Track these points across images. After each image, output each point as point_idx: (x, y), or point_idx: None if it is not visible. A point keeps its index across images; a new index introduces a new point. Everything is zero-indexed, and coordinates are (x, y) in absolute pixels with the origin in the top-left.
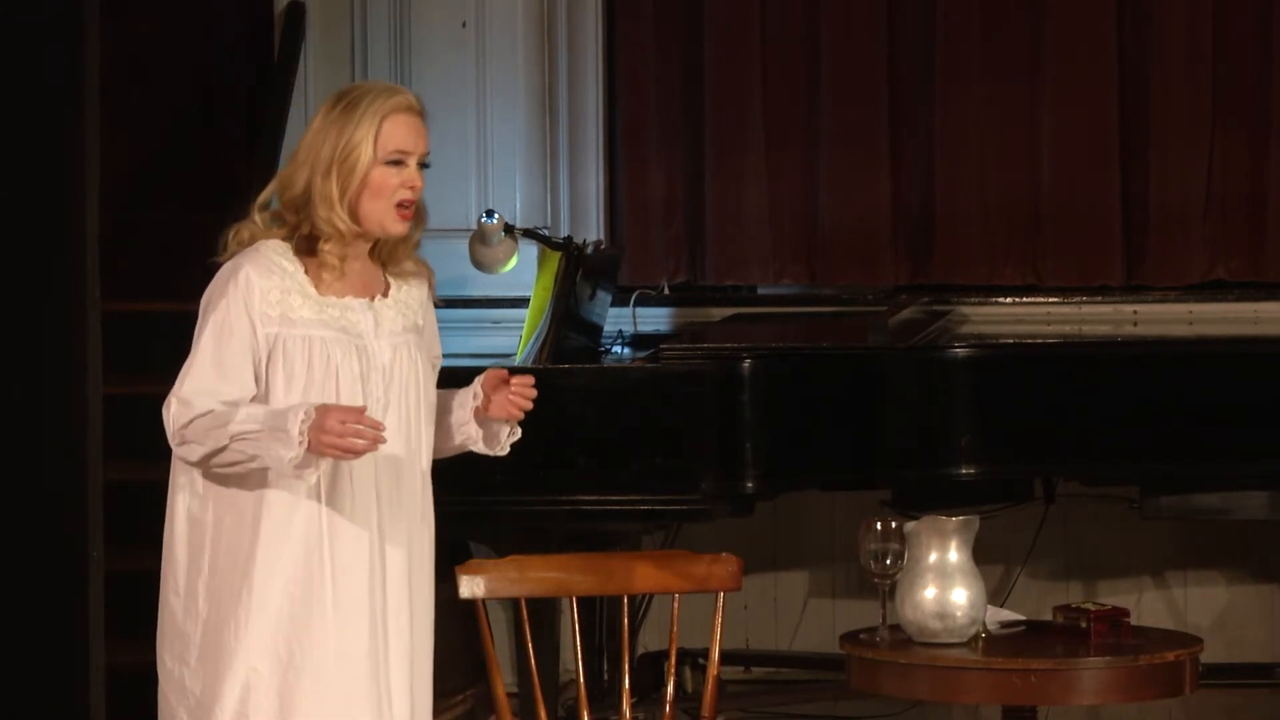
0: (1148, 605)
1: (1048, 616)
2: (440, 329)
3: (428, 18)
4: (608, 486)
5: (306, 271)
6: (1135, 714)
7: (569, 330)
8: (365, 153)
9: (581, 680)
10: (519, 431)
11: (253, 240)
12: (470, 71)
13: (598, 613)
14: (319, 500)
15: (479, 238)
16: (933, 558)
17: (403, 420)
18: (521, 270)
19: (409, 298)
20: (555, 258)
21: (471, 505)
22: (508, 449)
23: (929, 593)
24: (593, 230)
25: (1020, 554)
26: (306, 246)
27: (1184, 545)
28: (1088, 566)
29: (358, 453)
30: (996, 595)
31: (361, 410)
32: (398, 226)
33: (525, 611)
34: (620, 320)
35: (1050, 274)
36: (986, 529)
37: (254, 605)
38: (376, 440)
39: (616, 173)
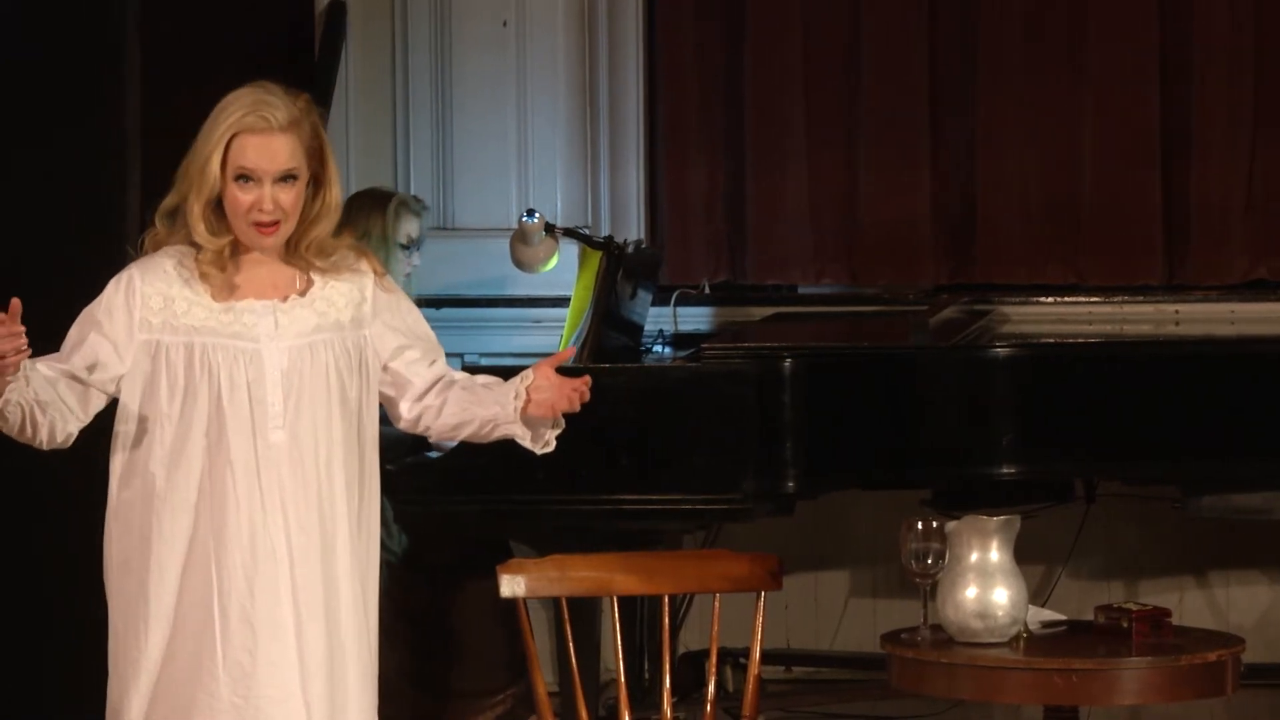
0: (1189, 605)
1: (1089, 616)
2: (481, 328)
3: (468, 16)
4: (649, 486)
5: (205, 277)
6: (1177, 714)
7: (610, 329)
8: (214, 169)
9: (622, 679)
10: (563, 423)
11: (156, 247)
12: (511, 70)
13: (639, 612)
14: (207, 512)
15: (520, 237)
16: (974, 557)
17: (312, 425)
18: (562, 269)
19: (334, 294)
20: (596, 257)
21: (512, 505)
22: (553, 444)
23: (970, 592)
24: (633, 229)
25: (1062, 554)
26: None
27: (1226, 545)
28: (1129, 566)
29: (3, 358)
30: (1038, 595)
31: (6, 317)
32: (260, 243)
33: (566, 611)
34: (661, 320)
35: (1091, 273)
36: (1028, 529)
37: (151, 616)
38: (12, 338)
39: (657, 172)
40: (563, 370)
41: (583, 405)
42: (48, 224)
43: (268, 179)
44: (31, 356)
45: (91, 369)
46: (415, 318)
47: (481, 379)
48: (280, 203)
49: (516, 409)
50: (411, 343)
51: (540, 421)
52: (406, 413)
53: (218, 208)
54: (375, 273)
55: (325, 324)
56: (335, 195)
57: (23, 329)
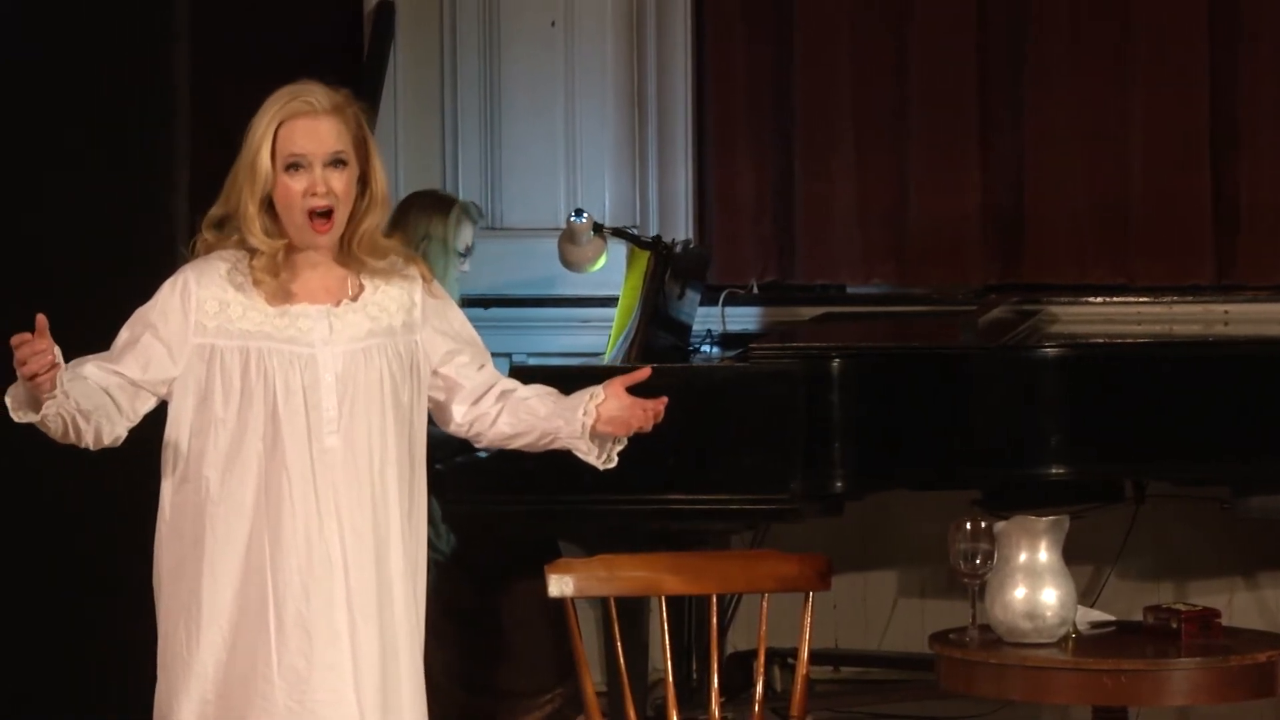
0: (1239, 606)
1: (1138, 617)
2: (529, 328)
3: (516, 17)
4: (696, 486)
5: (259, 283)
6: (1226, 715)
7: (658, 329)
8: (264, 162)
9: (670, 679)
10: (625, 441)
11: (208, 252)
12: (559, 70)
13: (686, 612)
14: (263, 518)
15: (568, 237)
16: (1023, 558)
17: (367, 430)
18: (610, 269)
19: (385, 299)
20: (644, 257)
21: (561, 505)
22: (615, 460)
23: (1019, 593)
24: (681, 229)
25: (1110, 554)
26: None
27: (1275, 546)
28: (1178, 567)
29: (35, 377)
30: (1087, 595)
31: (26, 336)
32: (314, 238)
33: (614, 611)
34: (709, 319)
35: (1140, 273)
36: (1076, 529)
37: (204, 619)
38: (37, 358)
39: (705, 171)
40: (634, 388)
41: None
42: (97, 226)
43: (318, 162)
44: (81, 356)
45: (144, 370)
46: (462, 322)
47: (538, 389)
48: (332, 186)
49: (585, 425)
50: (461, 347)
51: (606, 437)
52: (459, 417)
53: (270, 210)
54: (423, 278)
55: (378, 329)
56: (382, 187)
57: (47, 344)
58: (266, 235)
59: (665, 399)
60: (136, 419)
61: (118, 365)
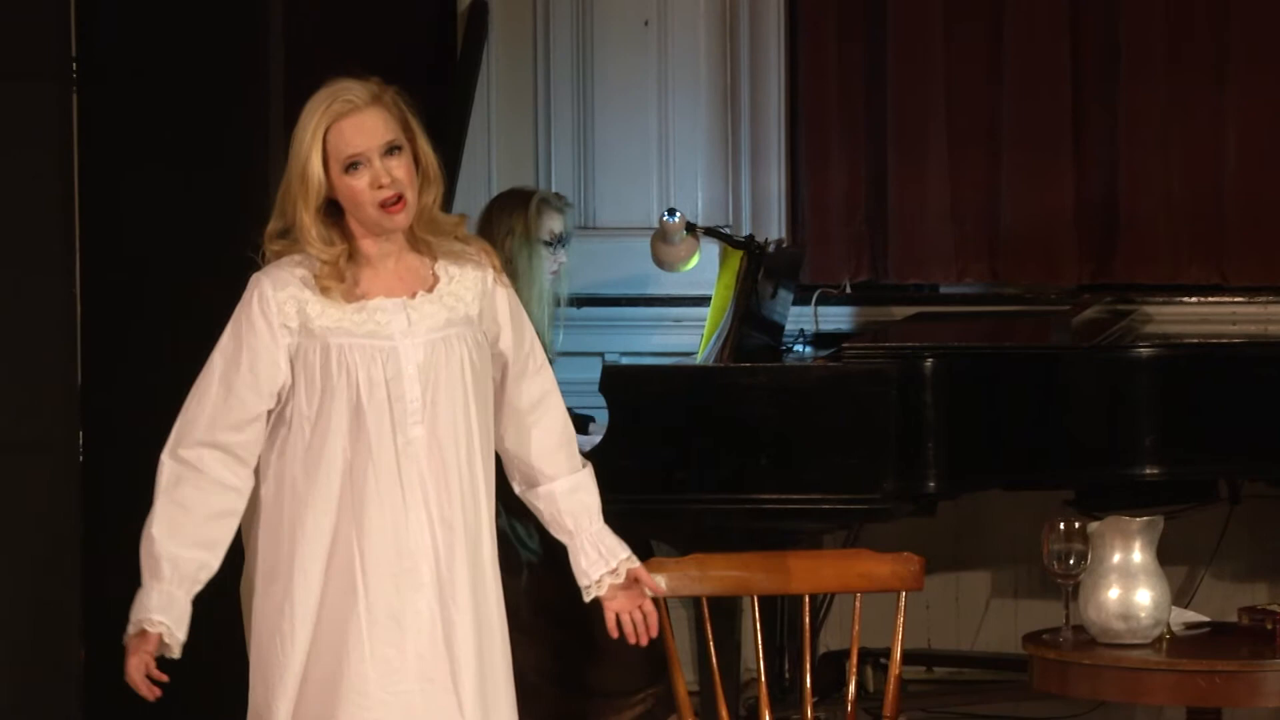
0: None
1: (1233, 618)
2: (622, 327)
3: (610, 16)
4: (789, 485)
5: (326, 291)
6: None
7: (751, 329)
8: (317, 170)
9: (763, 679)
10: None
11: (276, 259)
12: (652, 70)
13: (779, 612)
14: (349, 511)
15: (661, 236)
16: (1116, 558)
17: (451, 419)
18: (703, 269)
19: (460, 289)
20: (737, 256)
21: (653, 504)
22: (605, 589)
23: (1113, 593)
24: (774, 228)
25: (1205, 555)
26: None
27: None
28: (1274, 567)
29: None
30: (1181, 596)
31: (146, 661)
32: (392, 223)
33: (707, 610)
34: (802, 319)
35: (1236, 273)
36: (1171, 529)
37: (298, 618)
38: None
39: (798, 171)
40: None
41: (723, 404)
42: (192, 226)
43: (375, 155)
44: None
45: (258, 393)
46: (521, 320)
47: (583, 491)
48: (395, 174)
49: (597, 583)
50: (516, 339)
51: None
52: (506, 442)
53: (326, 218)
54: (494, 268)
55: (455, 318)
56: (432, 163)
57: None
58: (324, 243)
59: (656, 632)
60: (253, 465)
61: (231, 414)
